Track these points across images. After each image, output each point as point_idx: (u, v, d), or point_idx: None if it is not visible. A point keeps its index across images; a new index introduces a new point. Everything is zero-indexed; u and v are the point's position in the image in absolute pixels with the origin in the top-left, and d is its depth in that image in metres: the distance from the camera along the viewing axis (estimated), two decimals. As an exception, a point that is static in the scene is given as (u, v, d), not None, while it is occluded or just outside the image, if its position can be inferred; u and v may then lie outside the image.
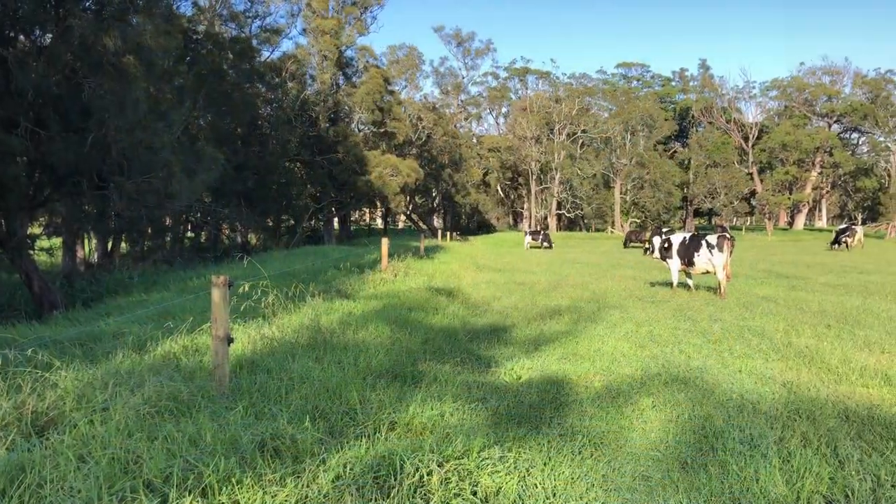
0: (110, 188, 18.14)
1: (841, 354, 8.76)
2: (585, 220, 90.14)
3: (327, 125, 49.54)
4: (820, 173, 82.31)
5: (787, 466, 5.01)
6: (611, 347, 9.39)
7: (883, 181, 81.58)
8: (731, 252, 15.73)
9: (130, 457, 4.55)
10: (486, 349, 9.41)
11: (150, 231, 32.15)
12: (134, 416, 5.28)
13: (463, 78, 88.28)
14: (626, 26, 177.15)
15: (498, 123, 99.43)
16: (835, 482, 4.81)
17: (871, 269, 24.37)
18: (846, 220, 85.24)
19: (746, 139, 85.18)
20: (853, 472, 4.92)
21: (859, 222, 72.30)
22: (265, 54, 48.80)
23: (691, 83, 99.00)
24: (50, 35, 17.32)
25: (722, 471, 4.98)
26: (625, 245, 48.33)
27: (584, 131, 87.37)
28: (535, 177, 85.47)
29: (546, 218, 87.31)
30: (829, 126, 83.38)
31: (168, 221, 35.52)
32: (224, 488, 4.28)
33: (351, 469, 4.59)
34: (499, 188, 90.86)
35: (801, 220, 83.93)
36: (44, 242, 29.26)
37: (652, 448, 5.50)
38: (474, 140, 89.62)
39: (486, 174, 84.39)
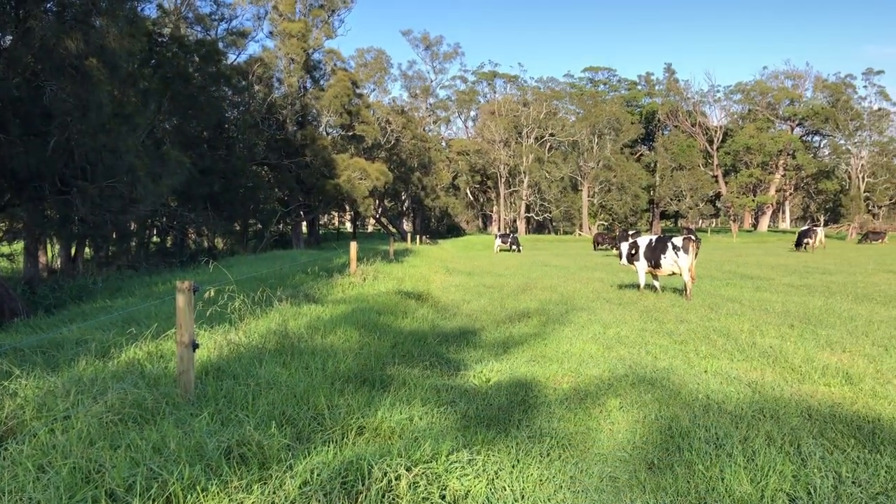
0: (73, 193, 17.85)
1: (804, 354, 8.90)
2: (554, 223, 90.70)
3: (295, 128, 49.23)
4: (783, 176, 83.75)
5: (751, 465, 5.07)
6: (578, 349, 9.44)
7: (844, 183, 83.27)
8: (696, 254, 15.91)
9: (92, 466, 4.46)
10: (455, 352, 9.40)
11: (114, 236, 31.63)
12: (96, 425, 5.18)
13: (431, 82, 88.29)
14: (593, 31, 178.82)
15: (466, 127, 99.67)
16: (798, 480, 4.88)
17: (833, 269, 24.81)
18: (809, 221, 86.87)
19: (711, 142, 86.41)
20: (815, 470, 5.00)
21: (821, 224, 73.71)
22: (231, 57, 48.36)
23: (657, 87, 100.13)
24: (10, 37, 16.99)
25: (688, 471, 5.03)
26: (594, 247, 48.67)
27: (551, 135, 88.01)
28: (503, 180, 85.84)
29: (515, 221, 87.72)
30: (792, 129, 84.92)
31: (133, 226, 35.01)
32: (189, 496, 4.22)
33: (318, 475, 4.56)
34: (468, 191, 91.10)
35: (765, 222, 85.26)
36: (4, 248, 28.63)
37: (619, 449, 5.54)
38: (443, 143, 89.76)
39: (455, 177, 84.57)
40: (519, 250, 46.94)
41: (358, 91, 56.57)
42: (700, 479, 4.88)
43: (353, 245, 19.47)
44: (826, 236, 47.63)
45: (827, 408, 6.45)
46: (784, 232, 78.79)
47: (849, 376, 7.69)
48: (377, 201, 65.55)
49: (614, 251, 17.93)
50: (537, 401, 6.85)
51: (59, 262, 32.34)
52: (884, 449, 5.38)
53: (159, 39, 35.67)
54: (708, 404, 6.64)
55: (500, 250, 47.20)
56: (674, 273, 16.20)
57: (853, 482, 4.87)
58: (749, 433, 5.75)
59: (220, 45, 44.63)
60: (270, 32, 51.53)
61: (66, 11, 17.21)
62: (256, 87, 47.05)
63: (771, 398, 6.81)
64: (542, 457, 5.32)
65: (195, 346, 6.25)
